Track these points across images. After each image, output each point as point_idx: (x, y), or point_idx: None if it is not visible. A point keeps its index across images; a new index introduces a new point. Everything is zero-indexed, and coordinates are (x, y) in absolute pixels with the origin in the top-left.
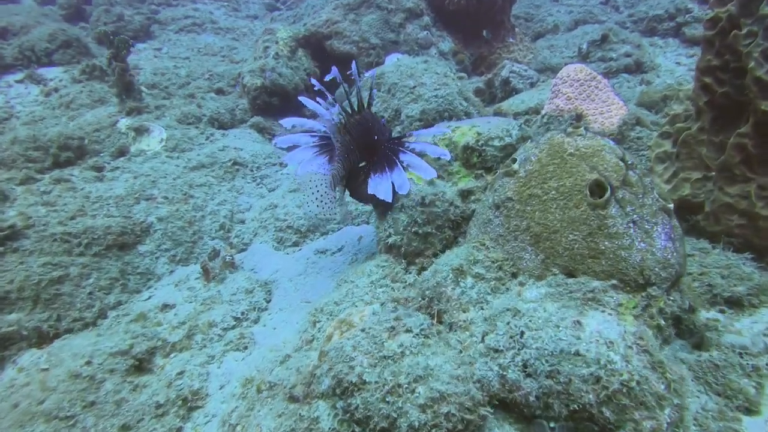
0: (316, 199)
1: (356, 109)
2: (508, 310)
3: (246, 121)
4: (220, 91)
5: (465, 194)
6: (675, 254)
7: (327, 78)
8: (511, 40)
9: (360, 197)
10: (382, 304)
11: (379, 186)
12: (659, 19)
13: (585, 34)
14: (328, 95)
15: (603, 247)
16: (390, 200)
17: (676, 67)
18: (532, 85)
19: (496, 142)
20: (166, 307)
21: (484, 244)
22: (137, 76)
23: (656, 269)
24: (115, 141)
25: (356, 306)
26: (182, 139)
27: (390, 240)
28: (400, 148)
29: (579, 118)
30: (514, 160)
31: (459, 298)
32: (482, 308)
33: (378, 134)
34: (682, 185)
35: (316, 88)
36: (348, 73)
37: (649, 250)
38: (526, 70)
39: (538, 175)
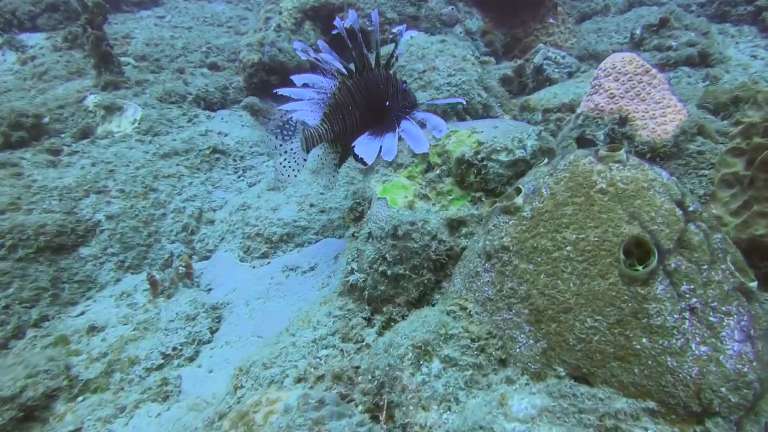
0: (280, 156)
1: (365, 67)
2: (481, 429)
3: (239, 101)
4: (214, 66)
5: (455, 225)
6: (755, 364)
7: (334, 31)
8: (551, 20)
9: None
10: (311, 387)
11: (365, 147)
12: (734, 1)
13: (640, 18)
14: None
15: (639, 347)
16: (369, 163)
17: (751, 61)
18: (570, 75)
19: (503, 156)
20: (93, 329)
21: (465, 309)
22: (127, 47)
23: (723, 390)
24: (79, 120)
25: (281, 382)
26: (159, 121)
27: (351, 278)
28: (408, 115)
29: (623, 122)
30: (519, 191)
31: (419, 390)
32: (450, 409)
33: (392, 99)
34: (756, 221)
35: (334, 32)
36: (367, 24)
37: (714, 357)
38: (564, 57)
39: (549, 217)
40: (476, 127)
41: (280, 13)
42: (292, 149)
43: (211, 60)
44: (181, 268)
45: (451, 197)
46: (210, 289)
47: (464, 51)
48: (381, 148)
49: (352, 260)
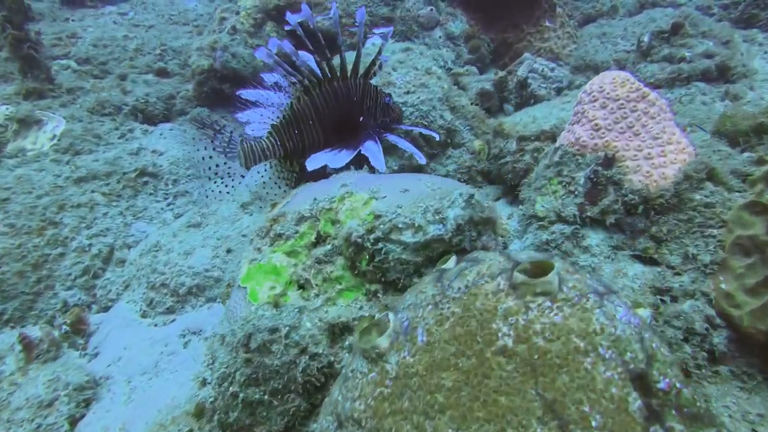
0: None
1: (334, 74)
2: None
3: (187, 113)
4: (162, 73)
5: (337, 331)
6: None
7: (293, 20)
8: (547, 23)
9: None
10: None
11: (315, 158)
12: (764, 3)
13: (651, 22)
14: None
15: None
16: (310, 169)
17: None
18: (560, 91)
19: (408, 236)
20: None
21: None
22: (71, 48)
23: None
24: None
25: None
26: (84, 137)
27: (201, 394)
28: (378, 135)
29: (609, 162)
30: (385, 327)
31: None
32: None
33: (367, 114)
34: None
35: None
36: (326, 20)
37: None
38: (553, 70)
39: (419, 386)
40: (379, 189)
41: (238, 12)
42: (226, 163)
43: (159, 65)
44: (64, 326)
45: (340, 287)
46: (97, 354)
47: (429, 63)
48: (331, 159)
49: (208, 363)
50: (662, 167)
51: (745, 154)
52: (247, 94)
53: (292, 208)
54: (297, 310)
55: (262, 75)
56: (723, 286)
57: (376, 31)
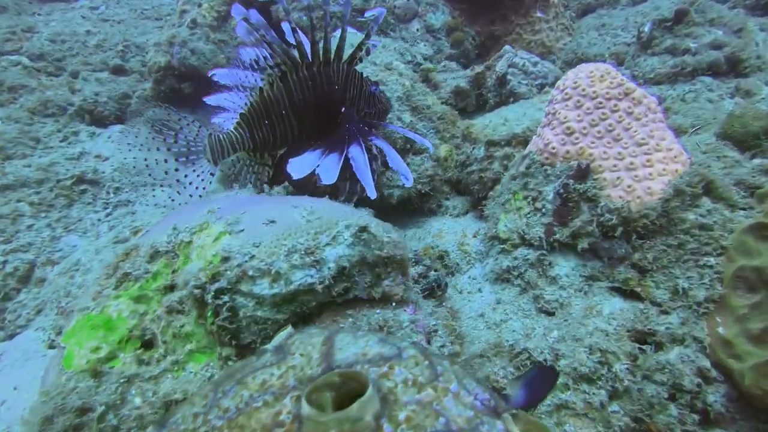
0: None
1: (315, 58)
2: None
3: (142, 113)
4: (119, 70)
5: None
6: None
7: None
8: (539, 14)
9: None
10: None
11: (299, 163)
12: None
13: (655, 10)
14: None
15: None
16: (295, 177)
17: None
18: (542, 88)
19: (263, 287)
20: None
21: None
22: (24, 43)
23: None
24: None
25: None
26: (19, 140)
27: None
28: (363, 138)
29: (583, 174)
30: None
31: None
32: None
33: (351, 104)
34: None
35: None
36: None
37: None
38: (535, 64)
39: None
40: (237, 220)
41: (200, 5)
42: (192, 165)
43: (115, 63)
44: None
45: (191, 347)
46: None
47: (390, 58)
48: (319, 165)
49: None
50: (648, 180)
51: (756, 161)
52: (221, 75)
53: (147, 240)
54: (124, 380)
55: (239, 50)
56: (721, 330)
57: (367, 14)
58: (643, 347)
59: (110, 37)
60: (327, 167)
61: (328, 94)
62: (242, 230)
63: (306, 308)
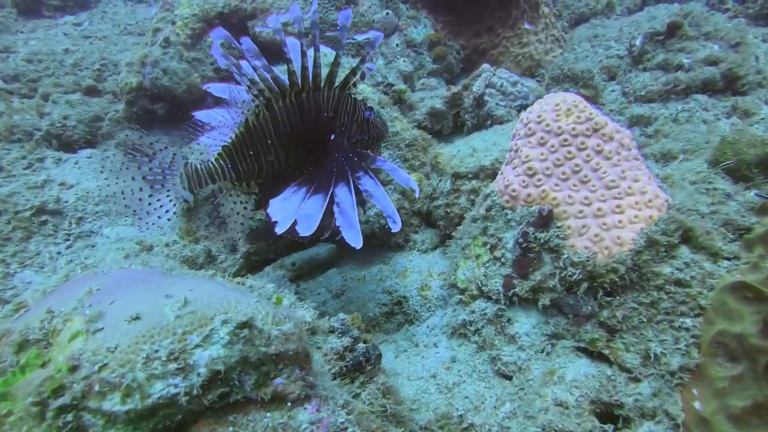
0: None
1: (304, 85)
2: None
3: (114, 136)
4: (91, 91)
5: None
6: None
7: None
8: (527, 26)
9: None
10: None
11: (281, 208)
12: None
13: (652, 20)
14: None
15: None
16: (279, 231)
17: None
18: (522, 109)
19: (114, 402)
20: None
21: None
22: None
23: None
24: None
25: None
26: None
27: None
28: (351, 172)
29: (544, 221)
30: None
31: None
32: None
33: (341, 132)
34: None
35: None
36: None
37: None
38: (515, 84)
39: None
40: (99, 315)
41: (174, 22)
42: (164, 191)
43: (88, 83)
44: None
45: None
46: None
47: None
48: (299, 211)
49: None
50: (617, 228)
51: (751, 193)
52: (217, 88)
53: (18, 325)
54: None
55: (206, 87)
56: (697, 405)
57: (359, 37)
58: (606, 428)
59: (88, 56)
60: (307, 214)
61: (316, 122)
62: (101, 329)
63: (171, 422)
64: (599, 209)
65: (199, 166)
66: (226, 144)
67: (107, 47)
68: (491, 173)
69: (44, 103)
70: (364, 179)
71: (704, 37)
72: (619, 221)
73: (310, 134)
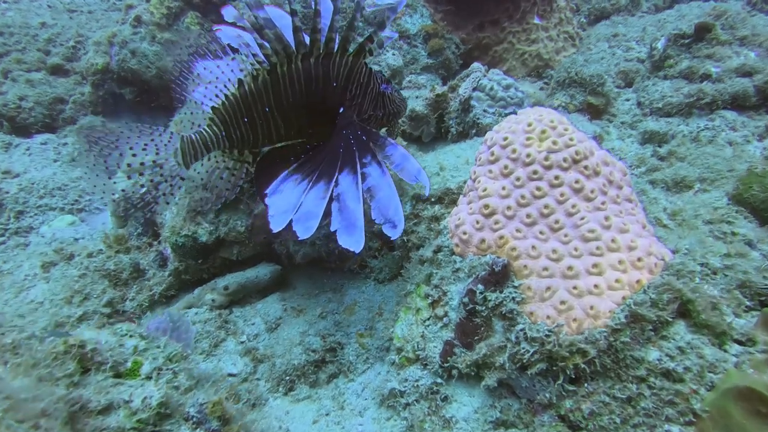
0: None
1: (313, 49)
2: None
3: (76, 121)
4: (58, 70)
5: None
6: None
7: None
8: (536, 20)
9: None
10: None
11: (281, 197)
12: None
13: (681, 18)
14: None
15: None
16: (274, 228)
17: None
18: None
19: None
20: None
21: None
22: None
23: None
24: None
25: None
26: None
27: None
28: (368, 149)
29: (499, 278)
30: None
31: None
32: None
33: (350, 104)
34: None
35: None
36: None
37: None
38: (507, 87)
39: None
40: None
41: (148, 0)
42: (161, 169)
43: (54, 61)
44: None
45: None
46: None
47: None
48: (299, 207)
49: None
50: (592, 295)
51: None
52: (227, 35)
53: None
54: None
55: (217, 29)
56: None
57: (379, 1)
58: None
59: (65, 31)
60: (307, 211)
61: (323, 92)
62: None
63: None
64: (570, 268)
65: (193, 136)
66: (218, 107)
67: (88, 23)
68: (454, 195)
69: (3, 80)
70: (371, 166)
71: (739, 42)
72: (595, 285)
73: (315, 105)
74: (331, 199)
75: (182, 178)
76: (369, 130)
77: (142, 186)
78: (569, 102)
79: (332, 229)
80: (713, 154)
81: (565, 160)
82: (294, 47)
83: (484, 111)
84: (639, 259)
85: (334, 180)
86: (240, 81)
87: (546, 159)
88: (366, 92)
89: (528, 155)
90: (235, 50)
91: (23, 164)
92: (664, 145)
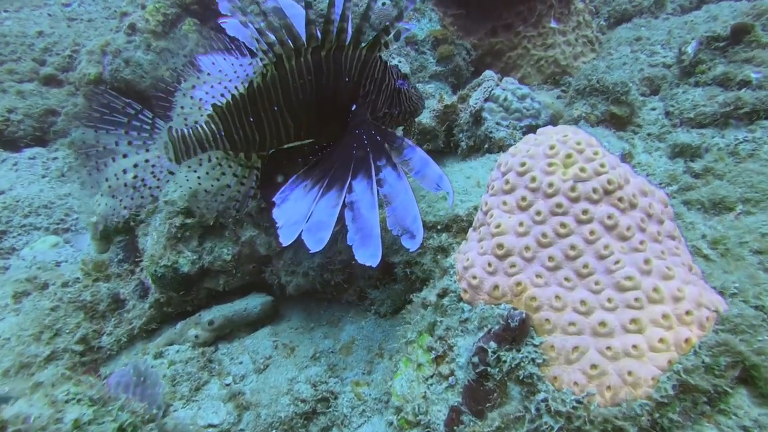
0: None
1: (323, 41)
2: None
3: (68, 133)
4: (51, 80)
5: None
6: None
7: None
8: (553, 24)
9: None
10: None
11: (288, 205)
12: None
13: (712, 20)
14: None
15: None
16: (284, 242)
17: None
18: (531, 130)
19: None
20: None
21: None
22: None
23: None
24: None
25: None
26: None
27: None
28: (383, 152)
29: (515, 334)
30: None
31: None
32: None
33: (363, 101)
34: None
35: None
36: None
37: None
38: (522, 98)
39: None
40: None
41: (144, 6)
42: (146, 159)
43: (47, 72)
44: None
45: None
46: None
47: None
48: (310, 216)
49: None
50: (630, 358)
51: None
52: (233, 26)
53: None
54: None
55: (222, 22)
56: None
57: None
58: None
59: (63, 40)
60: (318, 221)
61: (334, 87)
62: None
63: None
64: (603, 323)
65: (186, 131)
66: (220, 105)
67: (86, 31)
68: (467, 228)
69: None
70: (386, 170)
71: None
72: (634, 346)
73: (325, 102)
74: (344, 206)
75: (171, 173)
76: (384, 130)
77: (134, 187)
78: (590, 112)
79: (348, 242)
80: (756, 171)
81: (595, 190)
82: (305, 40)
83: (497, 124)
84: (687, 312)
85: (346, 186)
86: (247, 79)
87: (572, 189)
88: (381, 88)
89: (550, 185)
90: (243, 48)
91: (9, 180)
92: (698, 160)
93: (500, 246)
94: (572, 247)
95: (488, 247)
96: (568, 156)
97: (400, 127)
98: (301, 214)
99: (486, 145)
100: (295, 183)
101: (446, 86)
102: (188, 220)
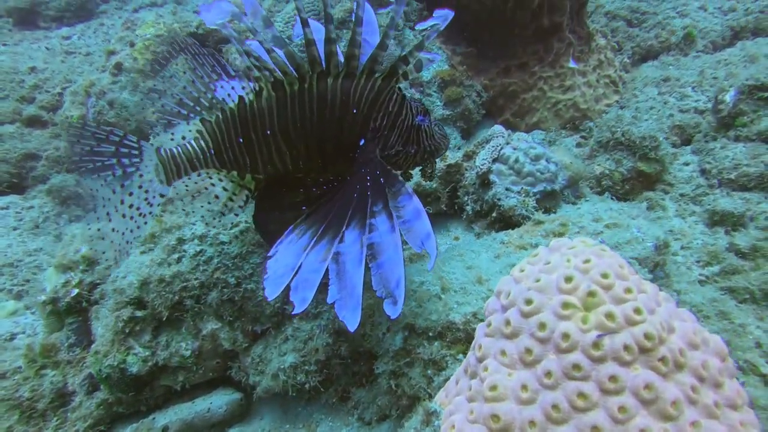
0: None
1: (328, 66)
2: None
3: (48, 179)
4: (35, 122)
5: None
6: None
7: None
8: (572, 64)
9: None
10: None
11: (279, 255)
12: None
13: (749, 61)
14: None
15: None
16: (269, 296)
17: None
18: (547, 196)
19: None
20: None
21: None
22: None
23: None
24: None
25: None
26: None
27: None
28: (388, 189)
29: None
30: None
31: None
32: None
33: (371, 138)
34: None
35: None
36: None
37: None
38: (536, 159)
39: None
40: None
41: (132, 44)
42: (140, 185)
43: (30, 112)
44: None
45: None
46: None
47: None
48: (298, 271)
49: None
50: None
51: None
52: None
53: None
54: None
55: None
56: None
57: (420, 25)
58: None
59: (54, 76)
60: (305, 278)
61: (339, 119)
62: None
63: None
64: None
65: (175, 150)
66: (209, 121)
67: (80, 66)
68: (462, 339)
69: None
70: (380, 217)
71: None
72: None
73: (329, 135)
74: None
75: (162, 195)
76: (388, 171)
77: (131, 217)
78: (614, 169)
79: (329, 300)
80: None
81: (627, 348)
82: (308, 64)
83: (507, 190)
84: None
85: (339, 237)
86: (239, 98)
87: (595, 346)
88: (395, 123)
89: (565, 336)
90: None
91: None
92: (742, 230)
93: (496, 418)
94: (595, 429)
95: (480, 414)
96: (591, 294)
97: (418, 168)
98: (289, 266)
99: (494, 214)
100: (292, 230)
101: (455, 131)
102: (139, 312)
